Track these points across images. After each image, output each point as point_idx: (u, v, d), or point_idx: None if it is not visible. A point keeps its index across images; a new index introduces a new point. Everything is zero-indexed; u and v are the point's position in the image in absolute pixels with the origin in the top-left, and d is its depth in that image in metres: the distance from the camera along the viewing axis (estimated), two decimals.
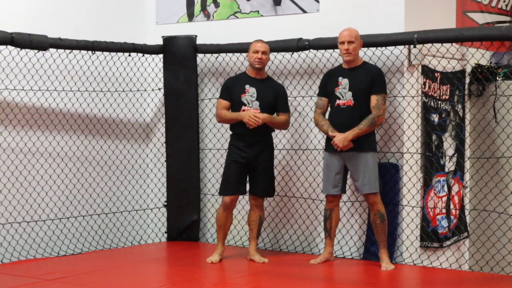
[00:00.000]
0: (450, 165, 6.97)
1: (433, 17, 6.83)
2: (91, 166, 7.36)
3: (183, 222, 7.44)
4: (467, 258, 7.17)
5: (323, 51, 6.80)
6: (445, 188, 6.90)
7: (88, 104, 7.32)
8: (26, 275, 6.01)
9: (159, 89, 7.68)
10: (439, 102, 6.81)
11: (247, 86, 6.41)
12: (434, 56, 6.58)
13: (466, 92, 7.19)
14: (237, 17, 7.45)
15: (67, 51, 6.98)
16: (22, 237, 6.82)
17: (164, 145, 7.57)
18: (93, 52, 7.10)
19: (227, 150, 6.60)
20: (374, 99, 6.12)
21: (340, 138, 6.08)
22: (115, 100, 7.49)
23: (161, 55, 7.55)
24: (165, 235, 7.58)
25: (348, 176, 6.34)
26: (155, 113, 7.81)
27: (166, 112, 7.52)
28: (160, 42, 7.53)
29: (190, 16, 7.71)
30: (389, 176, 6.53)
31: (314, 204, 6.98)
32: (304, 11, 7.07)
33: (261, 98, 6.39)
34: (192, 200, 7.46)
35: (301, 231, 7.06)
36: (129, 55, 7.42)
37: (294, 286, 5.77)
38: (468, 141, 7.06)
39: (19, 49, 6.61)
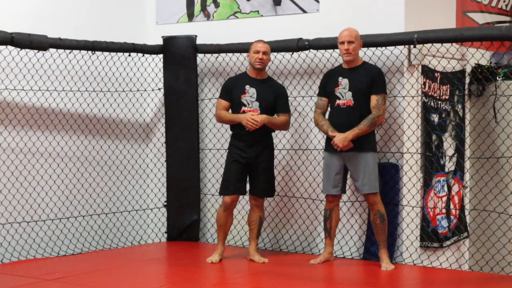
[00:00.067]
0: (450, 165, 6.97)
1: (433, 17, 6.83)
2: (91, 166, 7.36)
3: (183, 222, 7.44)
4: (467, 258, 7.17)
5: (323, 51, 6.80)
6: (445, 188, 6.90)
7: (88, 104, 7.32)
8: (26, 275, 6.01)
9: (159, 89, 7.68)
10: (439, 102, 6.81)
11: (247, 87, 6.41)
12: (434, 56, 6.58)
13: (466, 92, 7.19)
14: (237, 17, 7.45)
15: (67, 51, 6.98)
16: (22, 237, 6.82)
17: (164, 145, 7.57)
18: (93, 52, 7.10)
19: (227, 150, 6.60)
20: (374, 99, 6.12)
21: (340, 138, 6.08)
22: (115, 100, 7.49)
23: (161, 55, 7.55)
24: (165, 235, 7.58)
25: (348, 176, 6.34)
26: (155, 113, 7.81)
27: (166, 112, 7.52)
28: (160, 42, 7.53)
29: (190, 16, 7.71)
30: (389, 176, 6.53)
31: (314, 204, 6.98)
32: (304, 11, 7.07)
33: (261, 98, 6.38)
34: (192, 200, 7.46)
35: (301, 231, 7.06)
36: (129, 55, 7.42)
37: (294, 286, 5.77)
38: (468, 141, 7.06)
39: (19, 49, 6.61)
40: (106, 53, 7.28)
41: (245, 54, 6.95)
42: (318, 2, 6.98)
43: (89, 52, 7.09)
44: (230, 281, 6.01)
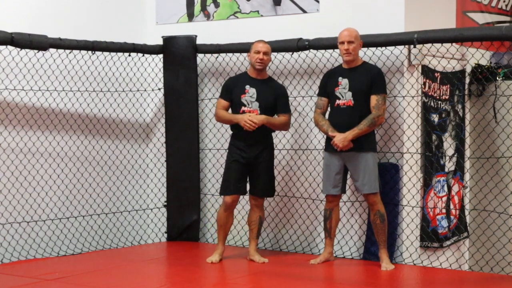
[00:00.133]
0: (450, 165, 6.97)
1: (433, 17, 6.83)
2: (91, 166, 7.36)
3: (183, 222, 7.44)
4: (467, 258, 7.17)
5: (323, 51, 6.80)
6: (445, 188, 6.90)
7: (88, 104, 7.32)
8: (26, 275, 6.00)
9: (159, 89, 7.68)
10: (439, 102, 6.81)
11: (247, 87, 6.41)
12: (434, 56, 6.58)
13: (466, 92, 7.19)
14: (237, 17, 7.45)
15: (67, 51, 6.98)
16: (22, 237, 6.82)
17: (164, 145, 7.57)
18: (93, 52, 7.10)
19: (227, 150, 6.60)
20: (374, 99, 6.12)
21: (340, 138, 6.08)
22: (115, 100, 7.49)
23: (161, 55, 7.55)
24: (165, 235, 7.58)
25: (348, 176, 6.34)
26: (155, 113, 7.81)
27: (166, 112, 7.52)
28: (160, 42, 7.53)
29: (190, 16, 7.71)
30: (389, 176, 6.52)
31: (314, 204, 6.98)
32: (304, 11, 7.07)
33: (261, 99, 6.38)
34: (192, 200, 7.46)
35: (301, 231, 7.06)
36: (129, 55, 7.42)
37: (294, 286, 5.77)
38: (468, 141, 7.06)
39: (19, 49, 6.61)
40: (106, 53, 7.28)
41: (245, 54, 6.95)
42: (318, 2, 6.98)
43: (89, 52, 7.09)
44: (230, 281, 6.01)
